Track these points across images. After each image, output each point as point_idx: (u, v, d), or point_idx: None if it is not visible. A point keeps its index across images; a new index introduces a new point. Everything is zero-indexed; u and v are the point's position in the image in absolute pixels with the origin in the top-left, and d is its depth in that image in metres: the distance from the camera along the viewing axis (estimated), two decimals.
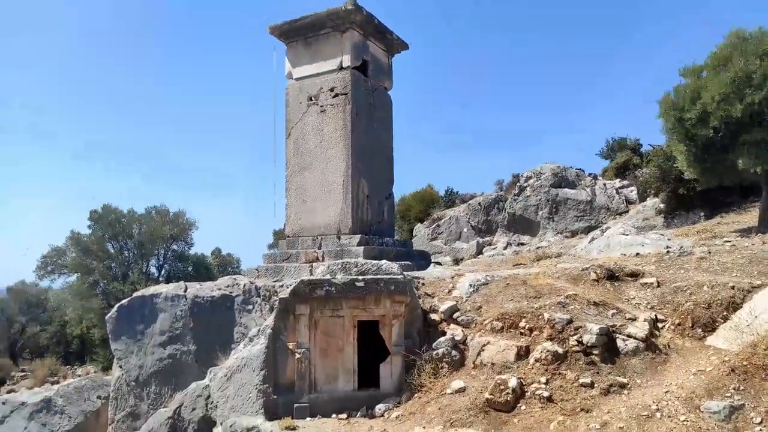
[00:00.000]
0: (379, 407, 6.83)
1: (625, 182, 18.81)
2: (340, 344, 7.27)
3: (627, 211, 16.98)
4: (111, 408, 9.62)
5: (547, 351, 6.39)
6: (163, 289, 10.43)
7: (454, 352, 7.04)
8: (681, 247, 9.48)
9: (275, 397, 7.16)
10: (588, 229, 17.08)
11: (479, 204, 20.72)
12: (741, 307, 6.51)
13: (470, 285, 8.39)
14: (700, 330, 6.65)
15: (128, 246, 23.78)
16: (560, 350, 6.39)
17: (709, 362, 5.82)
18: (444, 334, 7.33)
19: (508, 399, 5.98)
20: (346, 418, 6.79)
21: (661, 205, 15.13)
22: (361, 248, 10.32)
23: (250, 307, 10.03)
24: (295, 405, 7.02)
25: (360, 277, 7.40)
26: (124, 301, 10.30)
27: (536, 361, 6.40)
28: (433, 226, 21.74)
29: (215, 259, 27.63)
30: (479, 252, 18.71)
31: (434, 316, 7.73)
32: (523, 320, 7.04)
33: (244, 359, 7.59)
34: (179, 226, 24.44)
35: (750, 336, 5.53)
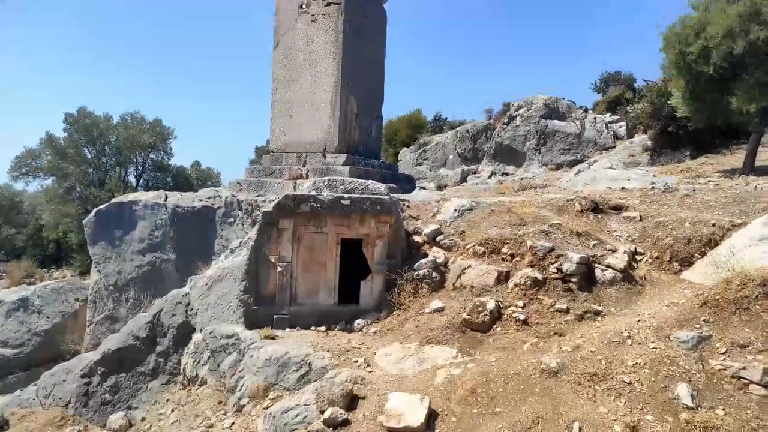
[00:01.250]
0: (358, 322, 6.96)
1: (616, 117, 18.59)
2: (323, 260, 7.28)
3: (614, 147, 16.91)
4: (89, 310, 9.70)
5: (527, 276, 6.48)
6: (143, 196, 10.24)
7: (435, 274, 7.11)
8: (666, 184, 9.52)
9: (256, 307, 7.23)
10: (573, 163, 17.05)
11: (467, 131, 20.44)
12: (720, 244, 6.61)
13: (455, 210, 8.38)
14: (677, 264, 6.79)
15: (105, 152, 23.10)
16: (540, 276, 6.49)
17: (682, 295, 5.97)
18: (426, 256, 7.38)
19: (485, 320, 6.12)
20: (325, 331, 6.92)
21: (649, 142, 15.06)
22: (347, 168, 10.15)
23: (232, 219, 9.95)
24: (275, 316, 7.12)
25: (346, 195, 7.29)
26: (102, 207, 10.12)
27: (515, 285, 6.51)
28: (419, 151, 21.52)
29: (195, 171, 27.09)
30: (463, 179, 18.67)
31: (417, 238, 7.75)
32: (506, 246, 7.10)
33: (226, 270, 7.58)
34: (158, 135, 23.68)
35: (726, 272, 5.63)
